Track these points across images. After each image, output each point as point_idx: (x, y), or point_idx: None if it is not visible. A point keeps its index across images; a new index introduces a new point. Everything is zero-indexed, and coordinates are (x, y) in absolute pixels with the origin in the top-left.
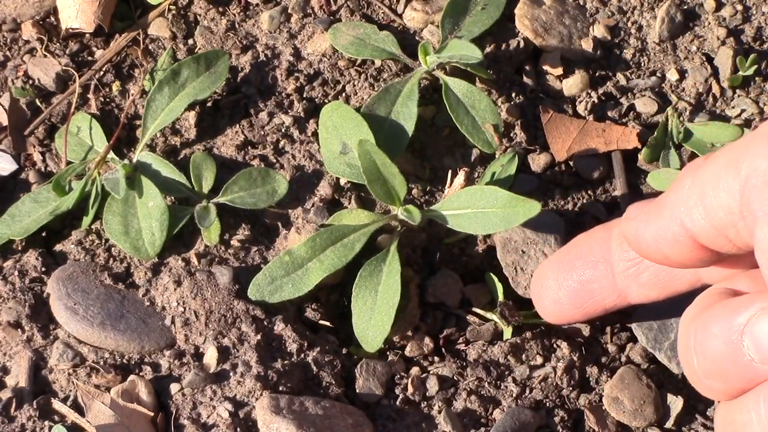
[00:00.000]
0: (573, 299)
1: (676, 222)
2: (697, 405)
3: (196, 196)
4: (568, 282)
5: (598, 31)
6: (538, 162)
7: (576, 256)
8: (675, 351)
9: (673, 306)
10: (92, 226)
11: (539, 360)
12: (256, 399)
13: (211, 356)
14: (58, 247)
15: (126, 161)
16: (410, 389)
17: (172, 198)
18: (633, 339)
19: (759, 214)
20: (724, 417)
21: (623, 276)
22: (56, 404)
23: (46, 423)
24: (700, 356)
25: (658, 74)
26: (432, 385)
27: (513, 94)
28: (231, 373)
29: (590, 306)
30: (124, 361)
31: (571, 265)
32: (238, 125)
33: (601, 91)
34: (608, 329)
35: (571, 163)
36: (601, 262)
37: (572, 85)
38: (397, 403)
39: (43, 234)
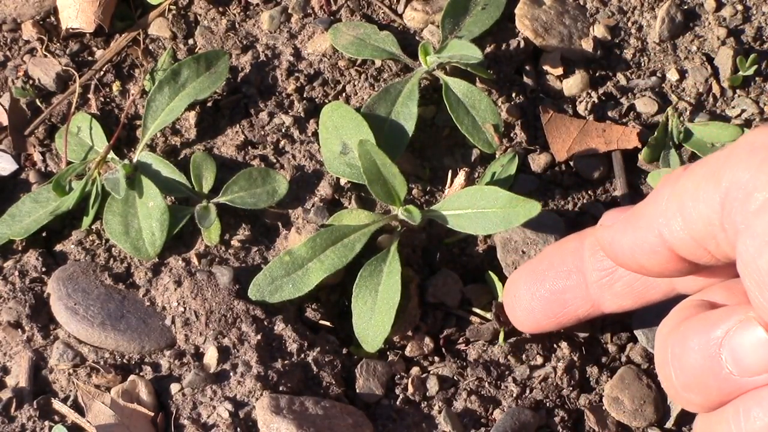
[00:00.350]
0: (546, 309)
1: (654, 233)
2: None
3: (196, 196)
4: (541, 292)
5: (598, 31)
6: (538, 162)
7: (548, 266)
8: None
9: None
10: (92, 226)
11: (539, 360)
12: (256, 399)
13: (211, 356)
14: (58, 247)
15: (126, 161)
16: (410, 389)
17: (173, 198)
18: (633, 339)
19: (741, 226)
20: (703, 429)
21: (596, 286)
22: (56, 404)
23: (46, 423)
24: (677, 370)
25: (658, 74)
26: (432, 385)
27: (513, 94)
28: (231, 373)
29: (563, 316)
30: (125, 361)
31: (544, 275)
32: (238, 125)
33: (601, 91)
34: (608, 329)
35: (571, 163)
36: (574, 271)
37: (572, 85)
38: (397, 403)
39: (44, 234)
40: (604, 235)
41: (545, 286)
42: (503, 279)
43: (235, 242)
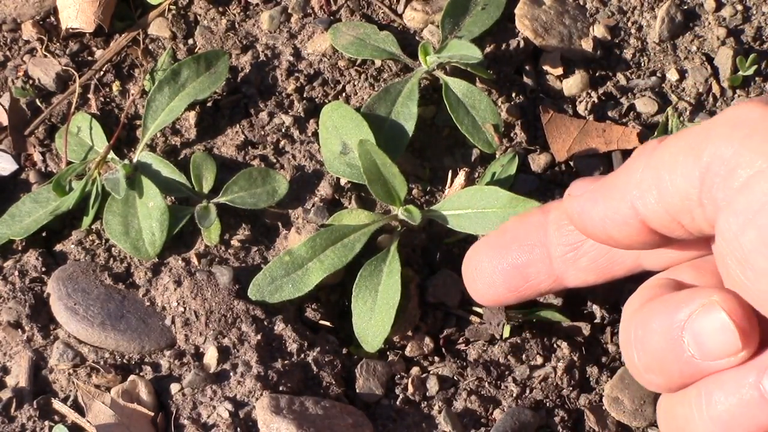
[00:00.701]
0: (508, 282)
1: (627, 205)
2: None
3: (196, 196)
4: (503, 265)
5: (598, 31)
6: (538, 162)
7: (512, 240)
8: None
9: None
10: (92, 226)
11: (539, 360)
12: (256, 399)
13: (211, 356)
14: (58, 247)
15: (126, 161)
16: (410, 389)
17: (173, 198)
18: None
19: (722, 203)
20: (667, 409)
21: (560, 260)
22: (56, 404)
23: (46, 423)
24: (640, 351)
25: (658, 74)
26: (432, 385)
27: (513, 94)
28: (231, 373)
29: (525, 289)
30: (124, 361)
31: (507, 249)
32: (238, 125)
33: (601, 91)
34: (608, 329)
35: (571, 163)
36: (538, 245)
37: (572, 85)
38: (397, 403)
39: (43, 234)
40: (573, 204)
41: (508, 260)
42: None
43: (235, 242)
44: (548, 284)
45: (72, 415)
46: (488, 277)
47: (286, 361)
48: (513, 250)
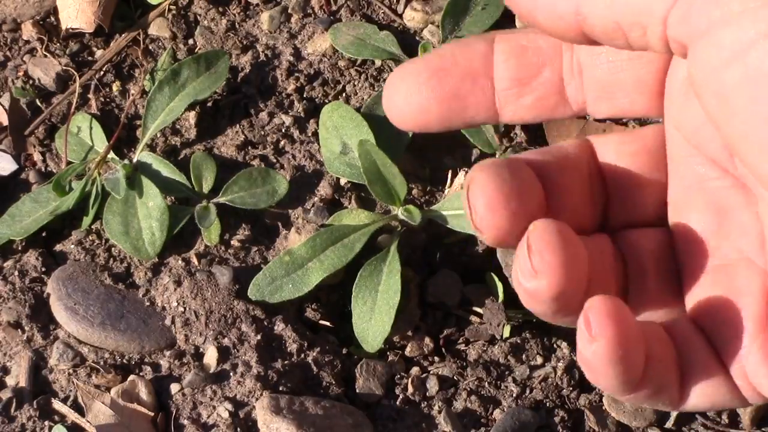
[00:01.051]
0: (443, 110)
1: (571, 1)
2: None
3: (196, 196)
4: (443, 92)
5: None
6: None
7: (453, 65)
8: None
9: None
10: (92, 226)
11: (539, 360)
12: (256, 399)
13: (211, 356)
14: (58, 247)
15: (126, 161)
16: (410, 389)
17: (172, 198)
18: None
19: (702, 30)
20: None
21: (503, 94)
22: (56, 404)
23: (46, 423)
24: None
25: None
26: (432, 385)
27: None
28: (231, 373)
29: (458, 120)
30: (124, 361)
31: (449, 75)
32: (238, 125)
33: None
34: None
35: None
36: (482, 76)
37: None
38: (397, 403)
39: (43, 234)
40: None
41: (447, 88)
42: (503, 279)
43: (235, 242)
44: (483, 117)
45: (72, 415)
46: (422, 102)
47: (286, 361)
48: (455, 77)
